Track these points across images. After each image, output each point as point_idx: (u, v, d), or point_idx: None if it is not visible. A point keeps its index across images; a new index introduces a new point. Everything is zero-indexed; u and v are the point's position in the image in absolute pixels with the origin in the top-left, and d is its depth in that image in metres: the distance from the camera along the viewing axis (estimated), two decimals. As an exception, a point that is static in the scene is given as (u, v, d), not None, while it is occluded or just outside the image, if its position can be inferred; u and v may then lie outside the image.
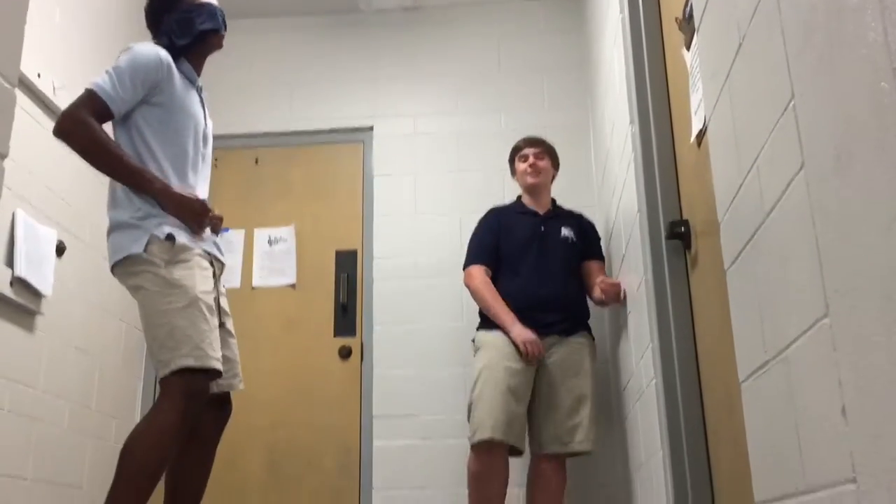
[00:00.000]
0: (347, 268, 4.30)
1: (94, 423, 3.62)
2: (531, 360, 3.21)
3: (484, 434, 3.05)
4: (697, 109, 2.25)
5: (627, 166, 3.02)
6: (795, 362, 1.31)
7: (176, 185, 2.52)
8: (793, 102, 1.27)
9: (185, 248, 2.46)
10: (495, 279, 3.44)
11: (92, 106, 2.47)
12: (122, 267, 2.47)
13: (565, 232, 3.52)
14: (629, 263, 3.12)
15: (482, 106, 4.47)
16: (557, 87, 4.49)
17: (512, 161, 3.73)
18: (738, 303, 1.65)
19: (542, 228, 3.51)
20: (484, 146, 4.37)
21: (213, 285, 2.52)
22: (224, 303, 2.70)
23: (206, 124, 2.74)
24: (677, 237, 2.56)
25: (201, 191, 2.68)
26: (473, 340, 3.43)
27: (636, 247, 2.89)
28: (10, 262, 3.04)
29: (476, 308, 3.51)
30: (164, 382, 2.35)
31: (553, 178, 3.73)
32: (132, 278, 2.46)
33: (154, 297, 2.40)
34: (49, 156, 3.38)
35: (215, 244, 2.67)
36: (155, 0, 2.74)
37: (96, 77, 2.51)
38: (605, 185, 3.81)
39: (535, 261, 3.41)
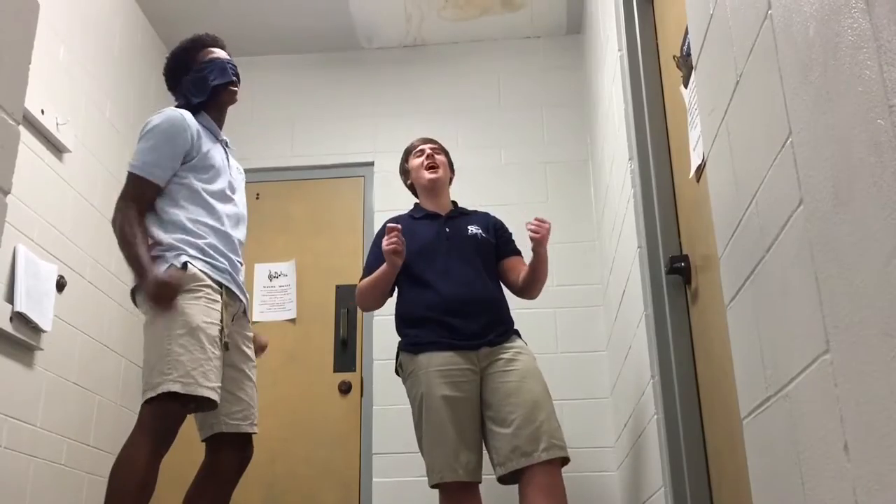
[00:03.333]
0: (348, 302, 4.29)
1: (92, 460, 3.59)
2: (396, 248, 2.87)
3: (434, 478, 2.80)
4: (696, 145, 2.27)
5: (627, 202, 3.04)
6: (797, 398, 1.30)
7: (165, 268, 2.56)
8: (791, 139, 1.28)
9: (196, 278, 2.53)
10: (402, 295, 3.09)
11: (135, 188, 2.63)
12: (139, 294, 2.57)
13: (472, 229, 3.14)
14: (629, 298, 3.12)
15: (482, 141, 4.50)
16: (557, 123, 4.53)
17: (404, 163, 3.36)
18: (739, 339, 1.65)
19: (447, 229, 3.13)
20: (484, 181, 4.39)
21: (220, 318, 2.55)
22: (246, 345, 2.76)
23: (231, 175, 2.86)
24: (677, 272, 2.57)
25: (238, 234, 2.81)
26: (400, 366, 3.02)
27: (636, 282, 2.89)
28: (10, 298, 3.04)
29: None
30: (144, 406, 2.41)
31: (450, 181, 3.36)
32: (144, 304, 2.55)
33: (157, 322, 2.48)
34: (51, 191, 3.39)
35: (236, 282, 2.72)
36: (170, 63, 2.88)
37: (133, 158, 2.65)
38: (605, 221, 3.83)
39: (445, 265, 3.02)
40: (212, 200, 2.71)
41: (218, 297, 2.58)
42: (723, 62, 1.64)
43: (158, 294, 2.41)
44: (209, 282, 2.56)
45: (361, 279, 3.14)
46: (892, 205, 0.94)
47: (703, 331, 2.44)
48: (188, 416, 2.52)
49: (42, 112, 3.29)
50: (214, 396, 2.44)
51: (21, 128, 1.27)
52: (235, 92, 2.88)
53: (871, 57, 0.99)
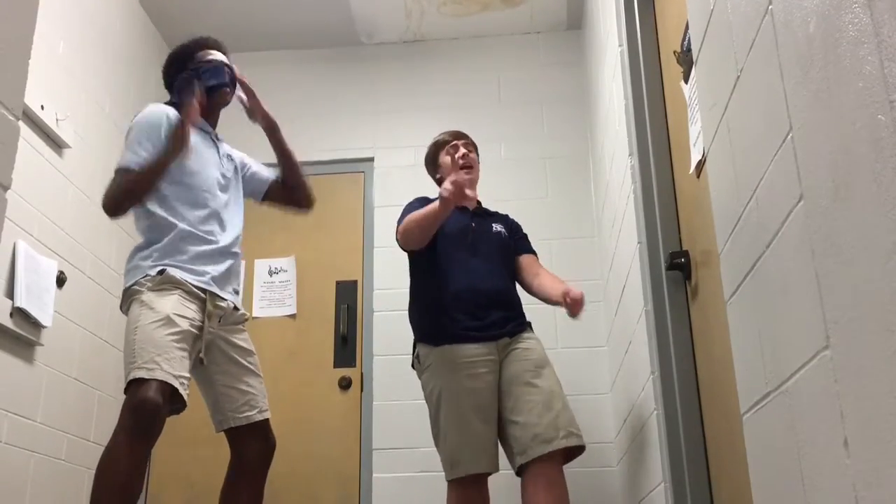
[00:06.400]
0: (348, 298, 4.29)
1: (93, 455, 3.59)
2: (459, 194, 2.71)
3: (458, 471, 2.80)
4: (696, 141, 2.27)
5: (627, 197, 3.04)
6: (797, 394, 1.30)
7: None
8: (791, 135, 1.28)
9: (171, 279, 2.55)
10: (425, 280, 3.07)
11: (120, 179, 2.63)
12: (122, 303, 2.63)
13: (497, 227, 3.21)
14: (629, 294, 3.12)
15: (482, 137, 4.47)
16: (557, 119, 4.52)
17: (434, 157, 3.35)
18: (739, 334, 1.65)
19: (473, 224, 3.17)
20: (484, 177, 4.37)
21: (194, 315, 2.56)
22: (241, 339, 2.75)
23: (224, 168, 2.86)
24: (677, 268, 2.57)
25: (231, 226, 2.82)
26: (417, 357, 3.01)
27: (636, 277, 2.89)
28: (10, 293, 3.04)
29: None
30: (124, 402, 2.41)
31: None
32: (127, 308, 2.59)
33: (130, 318, 2.52)
34: (50, 187, 3.39)
35: (220, 285, 2.70)
36: (168, 61, 2.90)
37: (119, 159, 2.66)
38: (605, 216, 3.82)
39: (469, 257, 3.06)
40: (202, 194, 2.71)
41: (195, 299, 2.58)
42: (723, 57, 1.64)
43: (183, 139, 2.53)
44: (191, 287, 2.58)
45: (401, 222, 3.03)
46: (893, 200, 0.94)
47: (703, 326, 2.44)
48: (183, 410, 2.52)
49: (42, 108, 3.29)
50: (177, 385, 2.40)
51: (21, 123, 1.27)
52: (228, 93, 2.88)
53: (871, 52, 0.98)
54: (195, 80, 2.79)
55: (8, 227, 3.05)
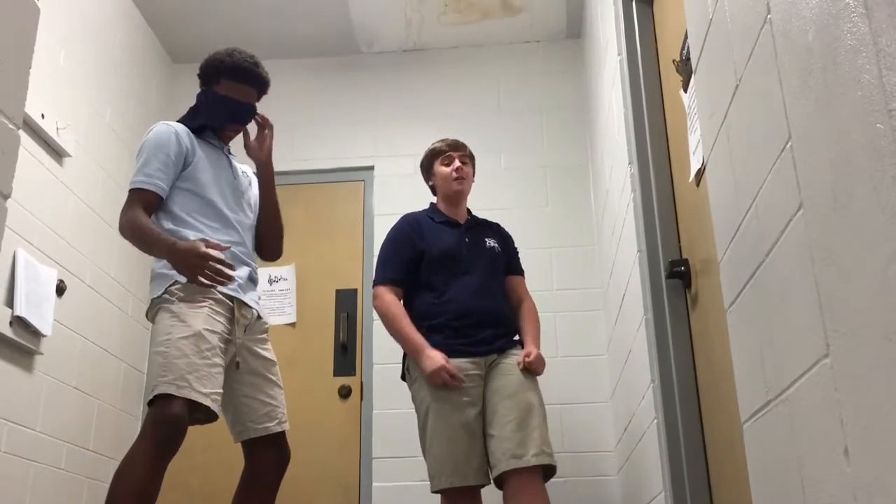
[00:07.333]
0: (348, 307, 4.29)
1: (92, 464, 3.59)
2: (449, 385, 2.84)
3: (442, 483, 2.80)
4: (696, 149, 2.27)
5: (627, 206, 3.04)
6: (797, 402, 1.30)
7: (190, 238, 2.58)
8: (790, 143, 1.28)
9: (201, 290, 2.53)
10: (416, 296, 3.10)
11: (139, 199, 2.62)
12: (149, 311, 2.61)
13: (490, 242, 3.20)
14: (629, 302, 3.12)
15: (482, 146, 4.49)
16: (557, 128, 4.53)
17: (429, 165, 3.32)
18: (739, 343, 1.65)
19: (466, 240, 3.17)
20: (483, 185, 4.39)
21: (226, 330, 2.56)
22: (263, 348, 2.74)
23: (239, 180, 2.86)
24: (677, 276, 2.57)
25: (246, 235, 2.79)
26: (408, 369, 3.03)
27: (636, 286, 2.89)
28: (10, 302, 3.04)
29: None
30: (147, 412, 2.42)
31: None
32: (154, 316, 2.57)
33: (160, 328, 2.50)
34: (51, 196, 3.40)
35: (247, 293, 2.70)
36: (205, 64, 2.82)
37: (132, 178, 2.66)
38: (605, 225, 3.83)
39: (463, 274, 3.06)
40: (214, 205, 2.71)
41: (222, 310, 2.58)
42: (722, 66, 1.65)
43: (189, 265, 2.44)
44: (219, 296, 2.57)
45: (382, 283, 3.11)
46: (892, 208, 0.94)
47: (702, 335, 2.44)
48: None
49: (42, 116, 3.30)
50: (208, 402, 2.42)
51: (21, 132, 1.27)
52: (232, 134, 2.87)
53: (870, 61, 0.99)
54: (200, 113, 2.78)
55: (8, 235, 3.06)
